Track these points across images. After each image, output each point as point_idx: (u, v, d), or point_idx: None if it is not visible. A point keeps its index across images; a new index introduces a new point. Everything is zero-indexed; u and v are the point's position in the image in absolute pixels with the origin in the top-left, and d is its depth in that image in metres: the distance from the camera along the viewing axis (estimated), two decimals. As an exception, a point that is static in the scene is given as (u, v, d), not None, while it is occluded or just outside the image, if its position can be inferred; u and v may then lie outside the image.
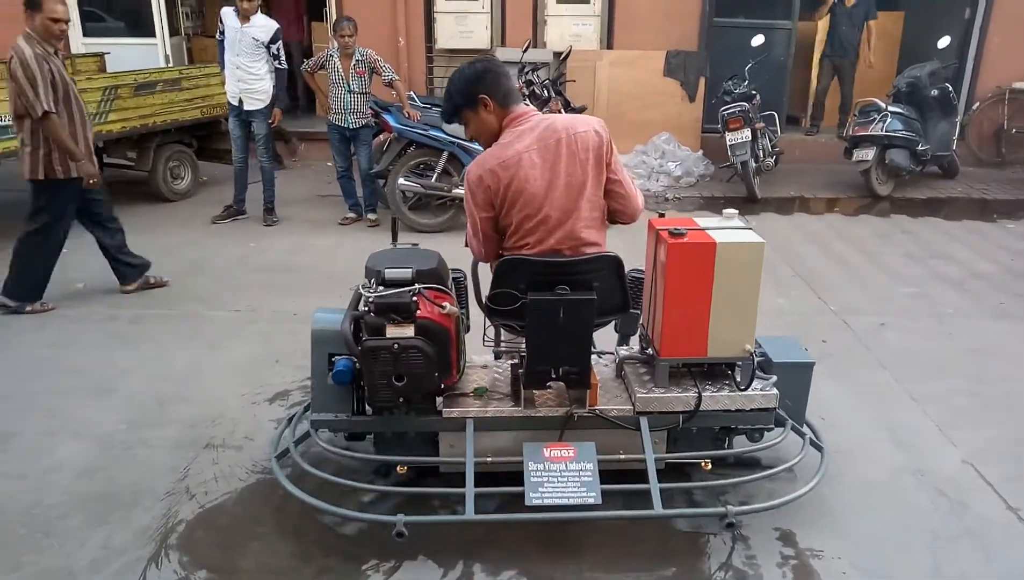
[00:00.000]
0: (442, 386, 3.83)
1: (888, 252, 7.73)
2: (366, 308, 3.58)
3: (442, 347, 3.62)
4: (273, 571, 3.44)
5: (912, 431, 4.55)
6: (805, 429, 4.11)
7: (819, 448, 4.02)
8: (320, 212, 9.21)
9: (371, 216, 8.67)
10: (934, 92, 9.74)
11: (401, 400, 3.61)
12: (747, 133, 9.45)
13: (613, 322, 4.50)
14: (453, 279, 4.20)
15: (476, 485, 3.57)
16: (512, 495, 3.59)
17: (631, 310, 4.31)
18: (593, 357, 4.46)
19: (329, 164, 9.72)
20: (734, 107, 9.55)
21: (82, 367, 5.15)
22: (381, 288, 3.60)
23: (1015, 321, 6.13)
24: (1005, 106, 11.31)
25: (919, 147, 9.63)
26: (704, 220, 3.90)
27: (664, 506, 3.52)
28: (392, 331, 3.56)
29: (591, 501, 3.53)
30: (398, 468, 3.86)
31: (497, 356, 4.38)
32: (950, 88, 10.15)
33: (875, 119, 9.50)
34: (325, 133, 8.64)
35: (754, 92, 9.94)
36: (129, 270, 6.48)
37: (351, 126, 8.26)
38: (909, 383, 5.08)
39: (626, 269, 4.39)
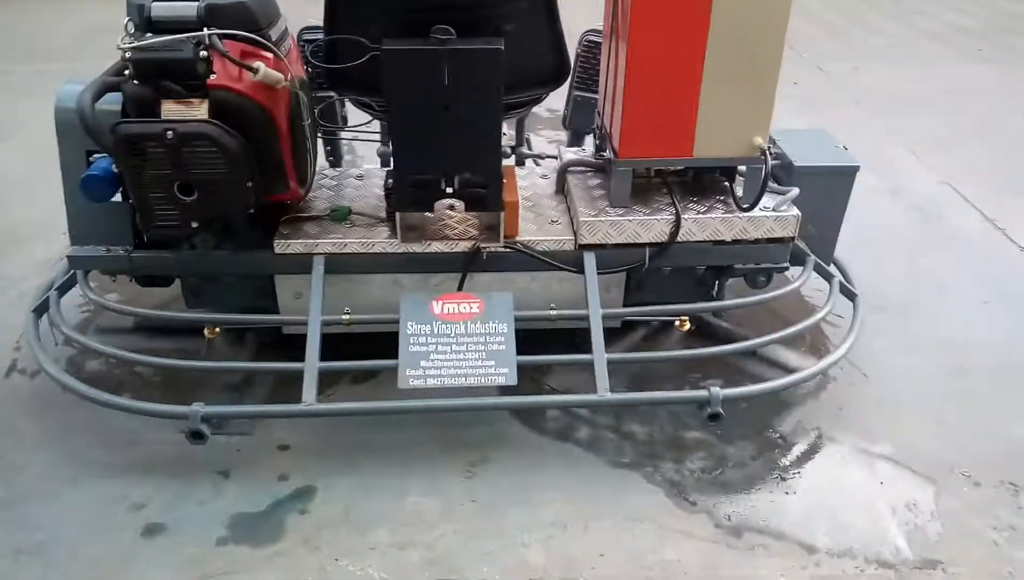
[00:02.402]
0: (284, 202, 2.47)
1: (863, 9, 7.62)
2: (128, 71, 2.13)
3: (258, 139, 2.20)
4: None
5: (886, 158, 4.40)
6: (833, 269, 2.79)
7: (852, 295, 2.73)
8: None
9: None
10: None
11: (195, 226, 2.23)
12: None
13: (564, 115, 3.08)
14: (307, 30, 2.71)
15: (328, 356, 2.29)
16: (384, 373, 2.31)
17: (577, 88, 2.88)
18: (527, 165, 3.09)
19: None
20: None
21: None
22: (149, 35, 2.12)
23: (993, 64, 6.18)
24: None
25: None
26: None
27: (613, 387, 2.26)
28: (171, 110, 2.12)
29: (501, 381, 2.27)
30: (205, 331, 2.55)
31: (384, 160, 2.97)
32: None
33: None
34: None
35: None
36: None
37: None
38: (884, 117, 5.01)
39: (581, 32, 2.96)
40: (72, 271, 2.54)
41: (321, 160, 3.03)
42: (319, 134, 2.95)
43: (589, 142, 3.08)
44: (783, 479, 2.33)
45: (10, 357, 2.76)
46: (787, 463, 2.38)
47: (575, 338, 2.48)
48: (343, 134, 3.09)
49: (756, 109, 2.34)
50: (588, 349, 2.31)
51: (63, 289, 2.56)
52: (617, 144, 2.40)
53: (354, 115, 2.92)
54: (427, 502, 2.23)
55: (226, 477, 2.29)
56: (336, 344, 2.38)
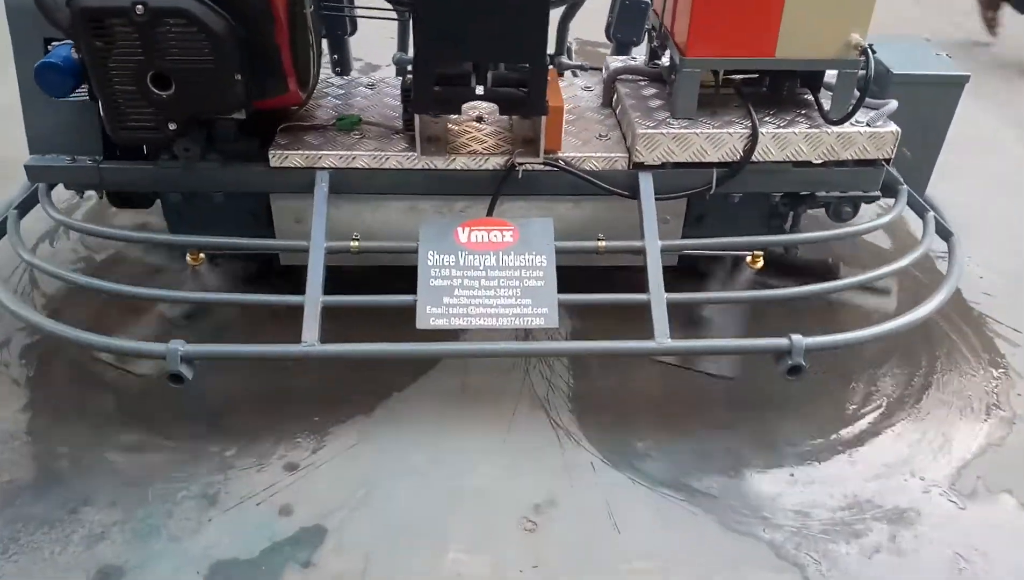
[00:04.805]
0: (282, 108, 2.09)
1: None
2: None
3: (250, 23, 1.80)
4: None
5: None
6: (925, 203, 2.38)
7: (947, 234, 2.33)
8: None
9: None
10: None
11: (173, 128, 1.84)
12: None
13: (608, 23, 2.65)
14: None
15: (333, 289, 1.91)
16: (398, 311, 1.93)
17: None
18: (566, 77, 2.67)
19: None
20: None
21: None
22: None
23: None
24: None
25: None
26: None
27: (674, 333, 1.88)
28: (142, -17, 1.73)
29: (539, 323, 1.89)
30: (188, 255, 2.18)
31: (401, 69, 2.56)
32: None
33: None
34: None
35: None
36: None
37: None
38: None
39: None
40: (34, 186, 2.16)
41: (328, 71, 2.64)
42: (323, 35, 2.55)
43: (637, 55, 2.66)
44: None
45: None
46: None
47: (617, 280, 2.08)
48: (351, 40, 2.67)
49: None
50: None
51: (24, 207, 2.19)
52: (684, 41, 1.99)
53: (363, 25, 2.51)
54: (473, 563, 1.66)
55: (212, 503, 1.76)
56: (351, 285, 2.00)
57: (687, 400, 2.07)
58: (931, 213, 2.29)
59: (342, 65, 2.70)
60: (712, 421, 2.00)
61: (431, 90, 1.84)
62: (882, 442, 1.98)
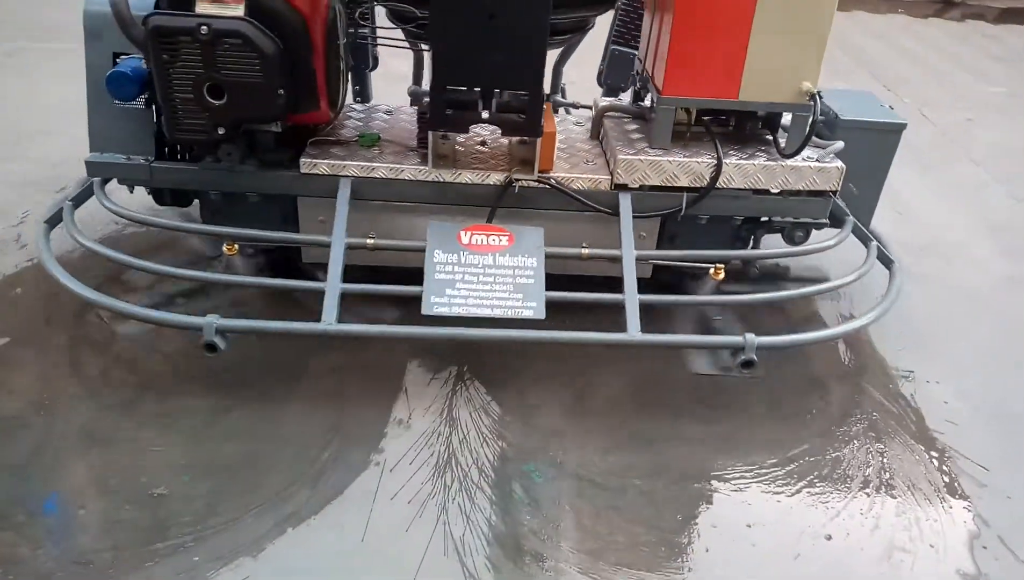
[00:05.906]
0: (311, 125, 2.40)
1: (968, 53, 6.52)
2: (166, -34, 2.06)
3: (293, 47, 2.12)
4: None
5: (1017, 234, 3.49)
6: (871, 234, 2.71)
7: (888, 262, 2.65)
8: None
9: None
10: None
11: (221, 132, 2.15)
12: None
13: (599, 71, 3.00)
14: None
15: (352, 280, 2.20)
16: (408, 300, 2.22)
17: (615, 42, 2.82)
18: (559, 113, 3.02)
19: None
20: None
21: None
22: (188, -68, 2.05)
23: None
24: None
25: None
26: None
27: (645, 328, 2.17)
28: (205, 8, 2.05)
29: (528, 314, 2.18)
30: (225, 246, 2.47)
31: (415, 99, 2.89)
32: None
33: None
34: None
35: None
36: None
37: None
38: (1008, 183, 3.96)
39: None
40: (89, 181, 2.45)
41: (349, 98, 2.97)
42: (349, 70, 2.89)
43: (625, 99, 3.01)
44: None
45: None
46: None
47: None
48: (372, 76, 3.02)
49: (807, 53, 2.26)
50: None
51: (78, 200, 2.47)
52: (661, 82, 2.33)
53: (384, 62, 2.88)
54: None
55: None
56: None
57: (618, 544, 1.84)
58: (874, 242, 2.62)
59: (363, 95, 3.05)
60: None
61: (444, 111, 2.16)
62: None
